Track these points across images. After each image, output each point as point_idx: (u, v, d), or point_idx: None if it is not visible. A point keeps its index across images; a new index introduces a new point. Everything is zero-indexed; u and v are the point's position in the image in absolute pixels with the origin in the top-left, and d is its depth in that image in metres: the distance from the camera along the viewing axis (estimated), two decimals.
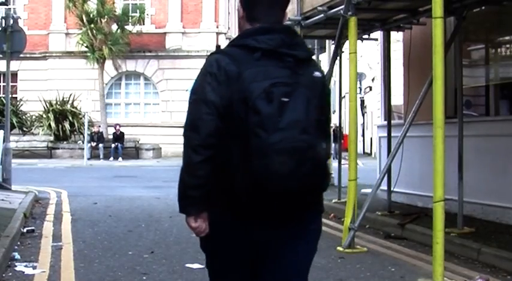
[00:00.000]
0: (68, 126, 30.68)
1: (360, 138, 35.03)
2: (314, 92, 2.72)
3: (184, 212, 2.77)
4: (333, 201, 11.42)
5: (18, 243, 7.72)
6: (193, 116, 2.73)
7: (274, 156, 2.58)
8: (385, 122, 10.70)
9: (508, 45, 9.67)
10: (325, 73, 2.91)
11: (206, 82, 2.72)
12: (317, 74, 2.79)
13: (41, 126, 30.97)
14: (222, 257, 2.83)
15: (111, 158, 29.54)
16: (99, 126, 31.20)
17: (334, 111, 19.86)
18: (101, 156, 29.77)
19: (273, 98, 2.61)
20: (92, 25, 30.96)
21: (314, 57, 2.98)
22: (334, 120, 19.07)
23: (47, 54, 34.05)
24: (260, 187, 2.61)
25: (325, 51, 15.03)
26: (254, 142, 2.59)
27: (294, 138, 2.60)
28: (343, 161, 12.84)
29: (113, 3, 32.23)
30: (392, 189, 9.93)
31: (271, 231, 2.74)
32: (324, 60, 16.59)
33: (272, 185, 2.61)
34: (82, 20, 31.10)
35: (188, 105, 2.77)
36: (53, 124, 30.38)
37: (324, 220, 11.01)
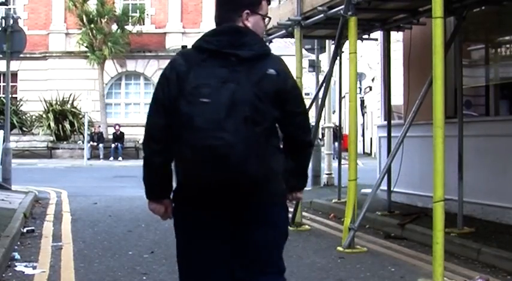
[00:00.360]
0: (68, 126, 30.69)
1: (360, 138, 35.02)
2: (255, 89, 2.87)
3: (147, 197, 3.12)
4: (333, 201, 11.42)
5: (18, 243, 7.72)
6: (148, 114, 3.04)
7: (191, 153, 2.82)
8: (385, 122, 10.69)
9: (508, 45, 9.66)
10: (284, 66, 3.05)
11: (159, 82, 3.03)
12: (271, 71, 2.94)
13: (41, 126, 30.97)
14: (185, 238, 3.05)
15: (111, 158, 29.55)
16: (99, 126, 31.20)
17: (334, 111, 19.86)
18: (101, 156, 29.78)
19: (192, 100, 2.84)
20: (92, 25, 30.97)
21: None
22: (334, 119, 19.06)
23: (47, 54, 34.05)
24: (185, 181, 2.96)
25: (325, 51, 14.99)
26: (177, 140, 2.87)
27: (210, 137, 2.78)
28: (343, 161, 12.84)
29: (113, 3, 32.25)
30: (392, 189, 9.93)
31: (220, 219, 2.98)
32: (324, 60, 16.56)
33: (191, 180, 2.91)
34: (82, 20, 31.11)
35: None
36: (53, 124, 30.39)
37: (324, 220, 10.97)
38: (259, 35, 3.09)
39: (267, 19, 3.15)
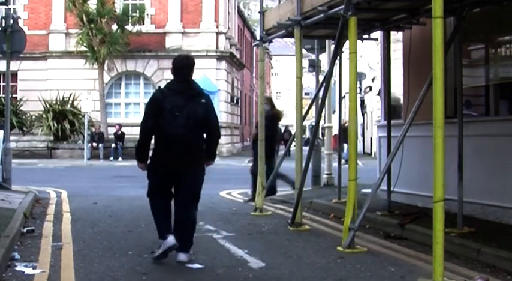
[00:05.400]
0: (68, 126, 30.67)
1: (360, 138, 35.02)
2: (198, 110, 6.52)
3: (138, 161, 6.83)
4: (333, 201, 11.42)
5: (18, 243, 7.71)
6: (143, 119, 6.76)
7: (169, 139, 6.48)
8: (385, 122, 10.69)
9: (508, 45, 9.66)
10: (209, 99, 6.75)
11: (149, 104, 6.73)
12: (203, 101, 6.58)
13: (41, 126, 30.96)
14: (155, 178, 6.75)
15: (111, 158, 29.55)
16: (100, 126, 31.19)
17: (334, 111, 19.85)
18: (101, 156, 29.78)
19: (171, 113, 6.45)
20: (92, 25, 30.95)
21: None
22: (334, 119, 18.99)
23: (47, 54, 34.06)
24: (163, 152, 6.56)
25: (325, 51, 14.98)
26: (161, 132, 6.52)
27: (178, 132, 6.44)
28: (343, 161, 12.84)
29: (113, 3, 32.25)
30: (392, 189, 9.93)
31: (175, 170, 6.60)
32: (324, 60, 16.56)
33: (167, 152, 6.52)
34: (82, 20, 31.10)
35: None
36: (53, 124, 30.38)
37: (324, 220, 10.97)
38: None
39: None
